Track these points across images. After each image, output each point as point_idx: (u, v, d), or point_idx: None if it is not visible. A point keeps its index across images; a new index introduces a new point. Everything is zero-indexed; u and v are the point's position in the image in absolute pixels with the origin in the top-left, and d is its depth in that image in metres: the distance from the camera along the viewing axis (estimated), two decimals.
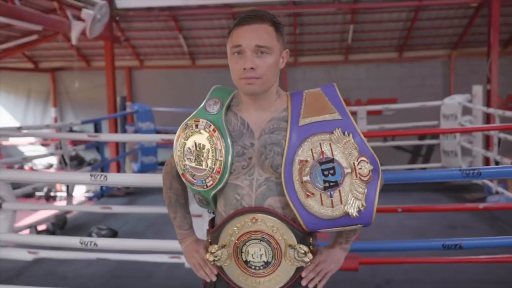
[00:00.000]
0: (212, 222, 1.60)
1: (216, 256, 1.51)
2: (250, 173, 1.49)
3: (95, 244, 2.17)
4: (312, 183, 1.42)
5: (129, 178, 2.38)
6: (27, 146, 8.93)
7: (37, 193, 8.33)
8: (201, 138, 1.52)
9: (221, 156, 1.48)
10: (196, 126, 1.54)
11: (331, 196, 1.42)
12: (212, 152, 1.49)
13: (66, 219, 5.23)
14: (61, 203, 7.52)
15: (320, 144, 1.44)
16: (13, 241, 3.38)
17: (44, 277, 3.53)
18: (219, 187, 1.51)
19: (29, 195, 8.62)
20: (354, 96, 8.97)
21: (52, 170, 8.53)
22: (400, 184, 2.87)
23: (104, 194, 5.86)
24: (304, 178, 1.42)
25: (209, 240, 1.56)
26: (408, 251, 2.72)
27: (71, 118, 9.00)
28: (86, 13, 6.08)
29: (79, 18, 6.23)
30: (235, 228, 1.47)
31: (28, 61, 9.10)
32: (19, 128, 4.47)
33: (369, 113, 7.98)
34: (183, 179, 1.57)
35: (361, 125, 6.29)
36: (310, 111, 1.49)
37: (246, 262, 1.48)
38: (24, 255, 3.12)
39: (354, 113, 7.31)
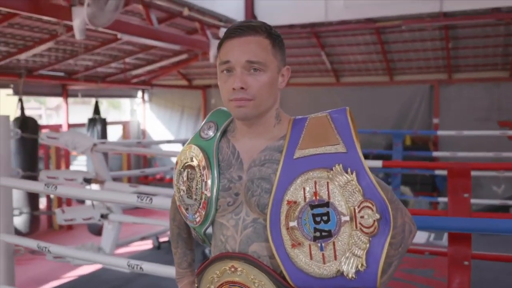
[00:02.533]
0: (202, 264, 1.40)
1: None
2: (236, 212, 1.27)
3: (140, 268, 2.10)
4: (300, 230, 1.15)
5: None
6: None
7: None
8: (192, 166, 1.34)
9: (207, 190, 1.28)
10: (189, 153, 1.36)
11: (321, 249, 1.13)
12: (199, 184, 1.30)
13: None
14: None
15: (315, 182, 1.16)
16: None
17: None
18: (206, 225, 1.31)
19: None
20: None
21: None
22: None
23: None
24: (291, 224, 1.16)
25: (196, 285, 1.37)
26: None
27: None
28: (224, 31, 6.25)
29: (218, 38, 6.46)
30: (214, 276, 1.26)
31: (182, 78, 9.71)
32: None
33: None
34: (179, 211, 1.41)
35: None
36: (310, 141, 1.21)
37: None
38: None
39: None
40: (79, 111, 13.42)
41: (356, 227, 1.13)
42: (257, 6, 7.49)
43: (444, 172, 6.31)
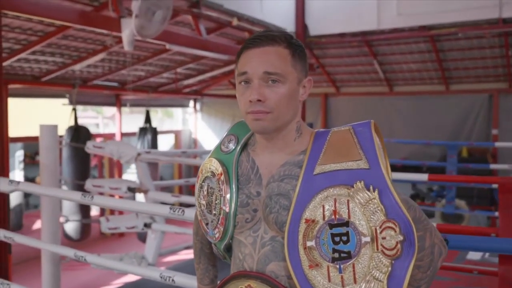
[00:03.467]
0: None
1: None
2: (255, 229, 1.21)
3: (172, 280, 2.08)
4: (317, 251, 1.09)
5: None
6: None
7: None
8: (212, 180, 1.30)
9: (225, 205, 1.23)
10: (209, 167, 1.32)
11: (340, 271, 1.06)
12: (218, 199, 1.26)
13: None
14: None
15: (335, 200, 1.09)
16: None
17: None
18: (225, 241, 1.26)
19: None
20: None
21: None
22: None
23: None
24: (308, 244, 1.09)
25: None
26: None
27: None
28: None
29: None
30: None
31: (233, 88, 9.77)
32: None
33: None
34: (201, 226, 1.37)
35: None
36: (331, 156, 1.14)
37: None
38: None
39: None
40: (134, 120, 13.75)
41: (378, 249, 1.05)
42: (308, 15, 7.44)
43: None
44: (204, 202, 1.31)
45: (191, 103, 10.21)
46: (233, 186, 1.24)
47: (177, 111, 11.70)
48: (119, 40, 5.29)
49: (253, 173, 1.25)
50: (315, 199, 1.12)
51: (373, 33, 7.15)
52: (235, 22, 6.02)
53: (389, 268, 1.04)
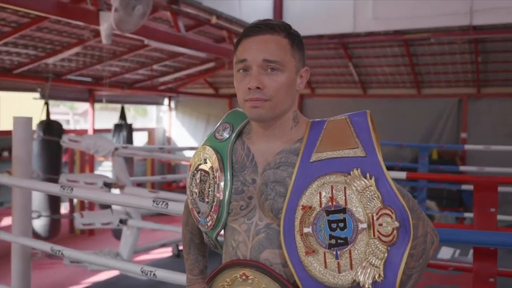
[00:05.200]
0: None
1: None
2: (249, 216, 1.22)
3: (154, 275, 2.06)
4: (314, 237, 1.10)
5: None
6: None
7: None
8: (206, 168, 1.29)
9: (219, 192, 1.23)
10: (203, 154, 1.32)
11: (337, 257, 1.08)
12: (212, 186, 1.25)
13: None
14: None
15: (331, 187, 1.11)
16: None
17: None
18: (218, 229, 1.26)
19: None
20: None
21: None
22: None
23: None
24: (305, 230, 1.10)
25: None
26: None
27: None
28: None
29: None
30: (224, 283, 1.20)
31: (209, 87, 9.75)
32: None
33: None
34: (192, 215, 1.37)
35: None
36: (327, 144, 1.15)
37: None
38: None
39: None
40: (106, 117, 13.58)
41: (374, 235, 1.07)
42: (285, 16, 7.47)
43: (471, 187, 6.16)
44: (196, 190, 1.31)
45: (166, 101, 10.14)
46: (228, 173, 1.25)
47: (151, 110, 11.60)
48: (96, 34, 5.23)
49: (248, 160, 1.25)
50: (312, 186, 1.13)
51: (349, 35, 7.23)
52: (214, 20, 6.00)
53: (385, 254, 1.06)
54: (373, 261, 1.06)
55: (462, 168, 6.14)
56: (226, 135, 1.31)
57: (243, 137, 1.31)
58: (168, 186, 9.24)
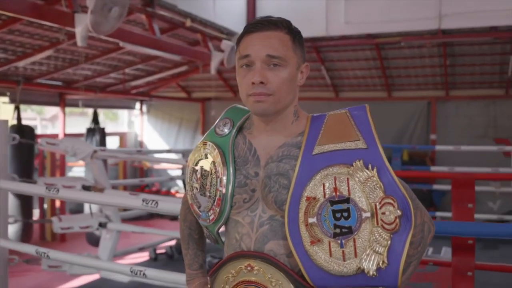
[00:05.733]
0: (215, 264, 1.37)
1: None
2: (252, 209, 1.24)
3: (144, 274, 2.06)
4: (319, 227, 1.13)
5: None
6: (176, 170, 9.44)
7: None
8: (207, 163, 1.31)
9: (222, 186, 1.25)
10: (203, 149, 1.33)
11: (342, 245, 1.11)
12: (214, 181, 1.27)
13: None
14: None
15: (335, 178, 1.14)
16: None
17: None
18: (220, 223, 1.28)
19: (174, 218, 9.13)
20: None
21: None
22: None
23: None
24: (310, 220, 1.13)
25: (209, 285, 1.33)
26: None
27: None
28: (226, 44, 6.30)
29: (219, 50, 6.48)
30: (229, 275, 1.22)
31: (182, 91, 9.71)
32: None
33: None
34: (191, 210, 1.38)
35: None
36: (329, 137, 1.19)
37: None
38: (123, 276, 3.16)
39: (509, 154, 6.43)
40: (76, 122, 13.38)
41: (378, 224, 1.11)
42: None
43: (441, 187, 6.33)
44: (197, 185, 1.32)
45: (138, 105, 10.05)
46: (230, 167, 1.27)
47: (122, 114, 11.49)
48: (69, 37, 5.16)
49: (250, 154, 1.28)
50: (315, 178, 1.16)
51: (322, 39, 7.32)
52: (188, 23, 6.00)
53: (389, 242, 1.10)
54: (377, 249, 1.10)
55: (433, 168, 6.30)
56: (226, 130, 1.34)
57: (244, 132, 1.33)
58: (141, 190, 9.15)
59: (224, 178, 1.26)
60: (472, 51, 7.29)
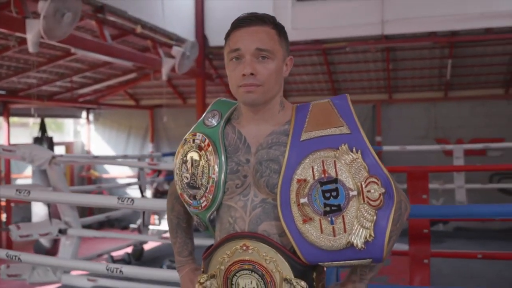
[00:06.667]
0: (208, 249, 1.43)
1: (205, 287, 1.34)
2: (245, 193, 1.32)
3: (120, 271, 2.08)
4: (310, 206, 1.22)
5: (156, 203, 2.29)
6: (125, 179, 9.33)
7: (131, 225, 8.67)
8: (197, 153, 1.38)
9: (214, 174, 1.32)
10: (193, 141, 1.40)
11: (332, 222, 1.20)
12: (206, 169, 1.34)
13: (143, 250, 5.29)
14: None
15: (322, 161, 1.23)
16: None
17: None
18: (213, 209, 1.35)
19: (125, 228, 9.01)
20: (455, 135, 8.35)
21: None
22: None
23: None
24: (301, 200, 1.22)
25: (202, 269, 1.40)
26: None
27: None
28: (176, 50, 6.33)
29: (170, 56, 6.49)
30: (225, 256, 1.29)
31: (130, 98, 9.61)
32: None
33: (470, 153, 7.38)
34: (181, 199, 1.43)
35: None
36: (315, 124, 1.29)
37: None
38: (84, 283, 3.13)
39: (450, 153, 6.78)
40: (17, 132, 12.92)
41: (364, 201, 1.21)
42: (207, 26, 7.61)
43: None
44: (188, 175, 1.38)
45: (84, 114, 9.86)
46: (222, 155, 1.34)
47: (67, 123, 11.21)
48: (18, 43, 5.05)
49: (241, 142, 1.35)
50: (304, 162, 1.26)
51: None
52: (139, 29, 6.00)
53: (374, 217, 1.20)
54: (364, 224, 1.20)
55: None
56: (214, 122, 1.41)
57: (232, 122, 1.41)
58: None
59: (216, 166, 1.33)
60: (413, 55, 7.66)
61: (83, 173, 9.55)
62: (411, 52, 7.59)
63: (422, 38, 7.10)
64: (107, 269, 2.13)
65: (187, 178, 1.39)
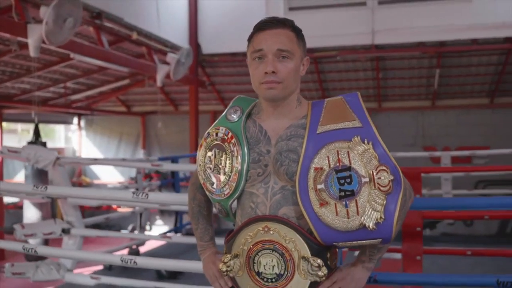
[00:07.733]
0: (230, 233, 1.56)
1: (228, 266, 1.46)
2: (265, 181, 1.45)
3: (134, 262, 2.19)
4: (326, 192, 1.35)
5: (171, 197, 2.41)
6: (117, 185, 9.39)
7: (123, 231, 8.72)
8: (220, 146, 1.51)
9: (237, 163, 1.45)
10: (216, 134, 1.53)
11: (346, 206, 1.34)
12: (229, 160, 1.47)
13: (139, 252, 5.37)
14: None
15: (337, 151, 1.37)
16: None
17: None
18: (235, 195, 1.48)
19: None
20: (442, 143, 8.57)
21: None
22: None
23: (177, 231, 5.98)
24: (319, 186, 1.36)
25: (225, 251, 1.52)
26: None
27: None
28: (171, 56, 6.45)
29: (164, 62, 6.61)
30: (247, 237, 1.42)
31: (121, 105, 9.70)
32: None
33: (457, 160, 7.59)
34: (204, 189, 1.56)
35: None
36: (330, 119, 1.43)
37: (258, 273, 1.42)
38: (87, 280, 3.22)
39: (437, 160, 6.97)
40: (4, 139, 12.88)
41: (375, 187, 1.34)
42: (201, 34, 7.74)
43: None
44: (211, 165, 1.51)
45: (75, 119, 9.91)
46: (245, 147, 1.47)
47: (58, 130, 11.26)
48: (9, 49, 5.13)
49: (262, 135, 1.49)
50: (321, 152, 1.39)
51: None
52: (135, 36, 6.11)
53: (384, 201, 1.34)
54: (375, 207, 1.34)
55: None
56: (236, 117, 1.54)
57: (252, 117, 1.54)
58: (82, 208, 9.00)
59: (240, 156, 1.46)
60: (402, 65, 7.86)
61: (74, 179, 9.59)
62: (400, 62, 7.79)
63: (411, 48, 7.31)
64: (122, 260, 2.23)
65: (210, 169, 1.51)
